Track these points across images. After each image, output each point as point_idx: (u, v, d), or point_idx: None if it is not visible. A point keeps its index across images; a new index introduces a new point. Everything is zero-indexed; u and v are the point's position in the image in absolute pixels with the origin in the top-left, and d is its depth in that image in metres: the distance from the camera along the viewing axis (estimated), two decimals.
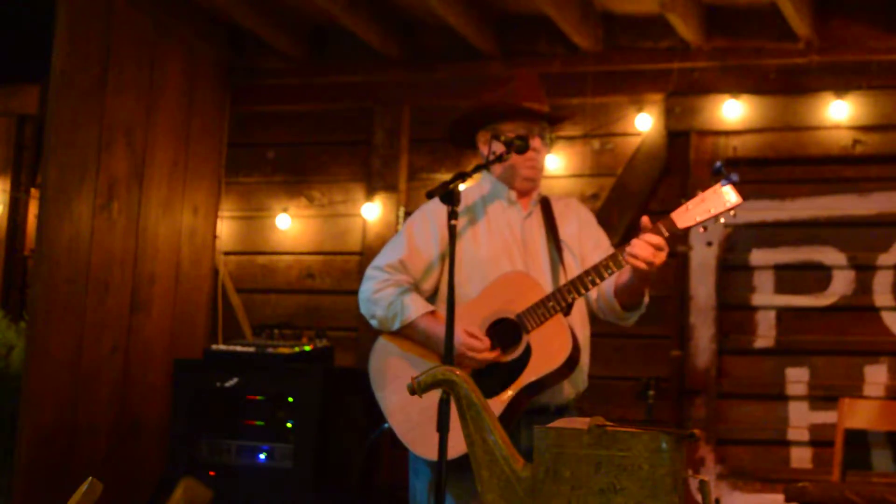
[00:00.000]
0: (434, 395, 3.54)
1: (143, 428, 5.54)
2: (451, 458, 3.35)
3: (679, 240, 5.43)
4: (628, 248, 3.48)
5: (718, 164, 3.54)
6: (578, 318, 3.74)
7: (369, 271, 3.87)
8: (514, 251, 3.76)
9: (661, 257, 3.47)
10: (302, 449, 5.00)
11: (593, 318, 3.90)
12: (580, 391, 3.80)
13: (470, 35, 5.59)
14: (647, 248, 3.44)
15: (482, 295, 3.70)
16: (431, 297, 3.83)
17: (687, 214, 3.49)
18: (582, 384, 3.79)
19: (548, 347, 3.59)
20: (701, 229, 3.53)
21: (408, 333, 3.76)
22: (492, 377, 3.60)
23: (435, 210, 3.81)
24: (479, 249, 3.75)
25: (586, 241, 3.85)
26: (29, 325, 5.07)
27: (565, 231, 3.82)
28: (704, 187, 3.53)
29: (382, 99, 5.98)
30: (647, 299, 3.74)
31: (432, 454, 3.55)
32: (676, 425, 5.29)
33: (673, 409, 5.36)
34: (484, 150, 3.81)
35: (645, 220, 3.52)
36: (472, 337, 3.60)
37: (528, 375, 3.59)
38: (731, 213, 3.48)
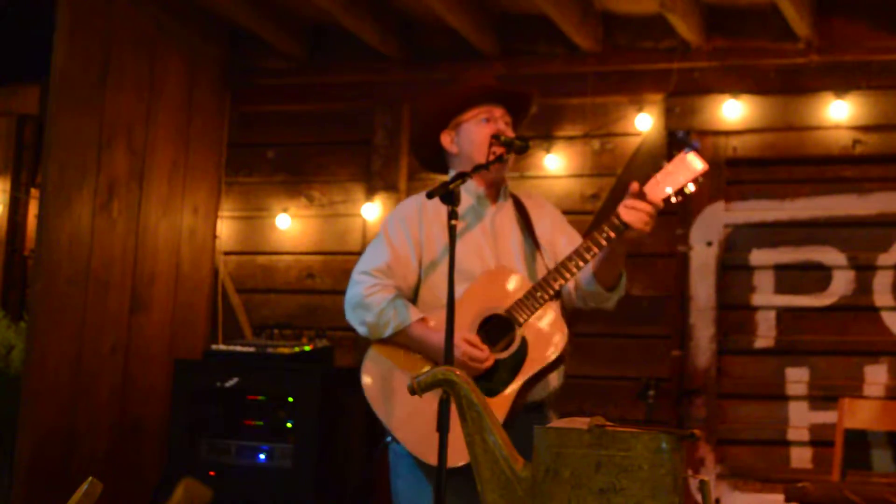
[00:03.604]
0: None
1: (143, 428, 5.54)
2: (455, 465, 3.33)
3: (679, 240, 5.44)
4: (624, 205, 3.48)
5: (681, 133, 3.56)
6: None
7: (356, 276, 3.78)
8: (485, 249, 3.72)
9: (651, 224, 3.47)
10: (302, 449, 5.00)
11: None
12: (556, 387, 3.76)
13: (470, 35, 5.59)
14: (641, 212, 3.46)
15: (465, 295, 3.63)
16: (412, 302, 3.80)
17: (658, 187, 3.48)
18: (557, 381, 3.76)
19: (545, 337, 3.57)
20: (673, 199, 3.52)
21: (400, 341, 3.68)
22: (491, 377, 3.58)
23: (406, 215, 3.78)
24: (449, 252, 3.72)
25: (558, 238, 3.81)
26: (29, 325, 5.07)
27: (539, 229, 3.79)
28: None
29: (382, 99, 5.98)
30: (624, 278, 3.72)
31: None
32: (676, 425, 5.29)
33: (673, 409, 5.36)
34: (453, 149, 3.78)
35: (634, 185, 3.51)
36: (472, 346, 3.57)
37: (530, 368, 3.57)
38: (699, 179, 3.49)
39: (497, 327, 3.62)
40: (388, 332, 3.69)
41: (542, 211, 3.86)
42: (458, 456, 3.28)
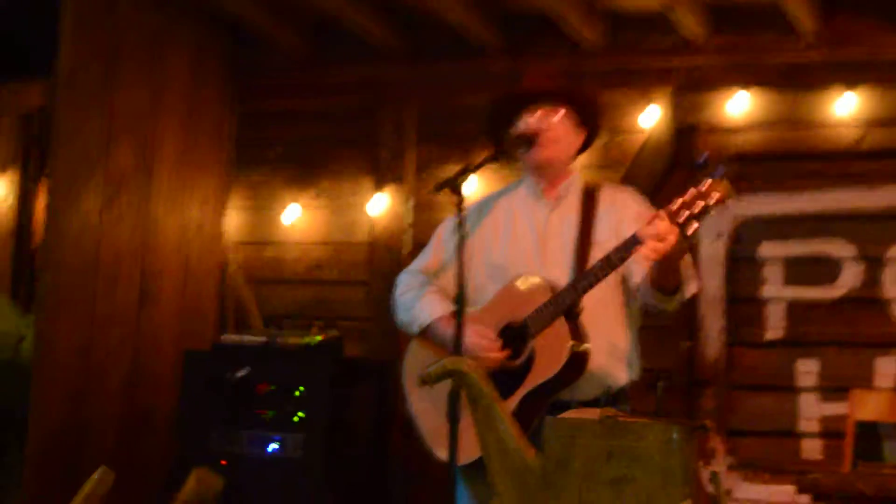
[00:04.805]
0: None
1: (153, 418, 5.55)
2: (468, 460, 3.34)
3: None
4: (639, 232, 3.39)
5: (704, 156, 3.43)
6: (604, 314, 3.64)
7: (399, 276, 3.91)
8: (532, 253, 3.69)
9: (669, 242, 3.35)
10: (312, 439, 5.00)
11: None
12: (614, 388, 3.65)
13: (474, 32, 5.59)
14: (652, 240, 3.34)
15: (494, 300, 3.66)
16: None
17: (677, 212, 3.37)
18: (613, 380, 3.64)
19: (548, 352, 3.53)
20: (694, 224, 3.40)
21: (428, 338, 3.75)
22: (500, 383, 3.55)
23: (465, 213, 3.80)
24: (497, 253, 3.72)
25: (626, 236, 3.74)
26: (38, 317, 5.08)
27: (600, 228, 3.71)
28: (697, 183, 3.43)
29: (388, 94, 5.97)
30: (690, 283, 3.55)
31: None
32: (686, 417, 5.29)
33: (683, 401, 5.35)
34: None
35: (645, 214, 3.43)
36: (481, 337, 3.57)
37: (531, 381, 3.54)
38: (722, 205, 3.36)
39: (517, 336, 3.62)
40: (415, 329, 3.78)
41: (612, 207, 3.74)
42: (464, 452, 3.30)
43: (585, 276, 3.50)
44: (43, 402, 4.98)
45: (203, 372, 5.24)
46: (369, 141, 6.01)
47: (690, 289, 3.57)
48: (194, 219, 5.90)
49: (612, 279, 3.61)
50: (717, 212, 3.34)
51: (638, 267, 3.56)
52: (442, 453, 3.64)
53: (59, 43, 5.08)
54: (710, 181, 3.29)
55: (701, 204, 3.28)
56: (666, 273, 3.46)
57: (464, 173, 3.44)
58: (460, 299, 3.31)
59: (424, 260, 3.87)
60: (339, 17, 5.65)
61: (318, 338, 5.29)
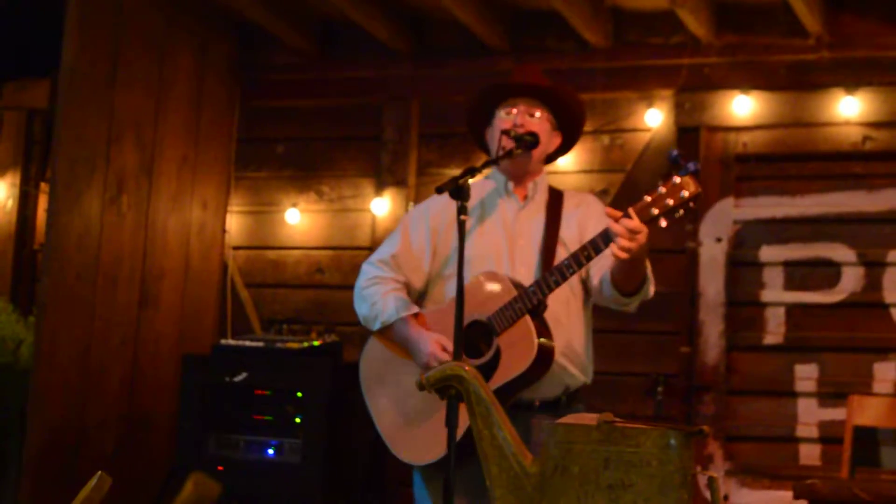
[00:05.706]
0: (417, 400, 3.55)
1: (152, 422, 5.55)
2: (430, 461, 3.35)
3: (688, 236, 5.43)
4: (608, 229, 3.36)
5: (675, 152, 3.38)
6: (565, 315, 3.66)
7: (363, 266, 3.83)
8: (502, 250, 3.69)
9: (638, 240, 3.26)
10: (310, 444, 5.00)
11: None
12: (572, 387, 3.69)
13: (479, 30, 5.60)
14: (620, 237, 3.30)
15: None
16: (423, 296, 3.80)
17: (646, 208, 3.34)
18: (572, 380, 3.67)
19: (514, 350, 3.52)
20: (663, 222, 3.35)
21: (388, 335, 3.72)
22: None
23: (431, 205, 3.78)
24: (468, 249, 3.70)
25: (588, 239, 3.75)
26: (38, 319, 5.08)
27: (566, 230, 3.73)
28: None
29: (391, 94, 5.98)
30: (651, 286, 3.59)
31: (414, 458, 3.60)
32: (685, 422, 5.28)
33: (682, 406, 5.35)
34: (492, 145, 3.78)
35: (609, 210, 3.39)
36: (444, 351, 3.55)
37: (497, 379, 3.53)
38: (691, 203, 3.28)
39: (481, 333, 3.60)
40: (376, 325, 3.72)
41: (576, 211, 3.76)
42: (426, 452, 3.30)
43: (552, 272, 3.48)
44: (42, 405, 4.97)
45: (202, 375, 5.23)
46: (372, 141, 6.01)
47: (650, 290, 3.58)
48: (195, 220, 5.89)
49: (574, 280, 3.62)
50: (686, 209, 3.29)
51: (596, 268, 3.57)
52: (401, 453, 3.66)
53: (62, 42, 5.08)
54: (678, 178, 3.26)
55: (669, 201, 3.26)
56: (629, 274, 3.46)
57: (465, 175, 3.42)
58: (460, 295, 3.27)
59: (389, 250, 3.79)
60: (345, 16, 5.66)
61: (317, 342, 5.28)
